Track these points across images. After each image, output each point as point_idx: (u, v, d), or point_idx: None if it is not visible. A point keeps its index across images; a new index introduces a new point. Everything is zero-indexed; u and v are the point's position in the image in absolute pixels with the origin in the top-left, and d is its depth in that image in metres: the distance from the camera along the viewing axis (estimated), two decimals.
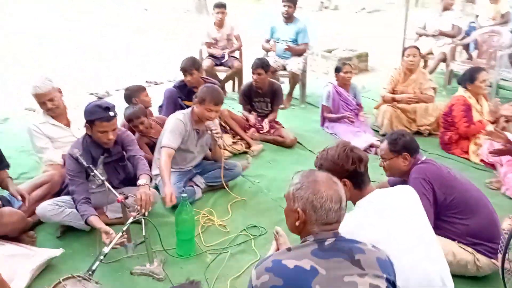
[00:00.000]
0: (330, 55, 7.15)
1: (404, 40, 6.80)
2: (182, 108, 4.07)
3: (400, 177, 2.77)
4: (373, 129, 4.80)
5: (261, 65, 4.41)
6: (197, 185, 3.53)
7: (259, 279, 1.54)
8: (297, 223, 1.66)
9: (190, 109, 3.44)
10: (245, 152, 4.30)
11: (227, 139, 4.30)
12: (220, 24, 5.83)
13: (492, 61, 5.53)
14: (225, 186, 3.45)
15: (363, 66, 7.25)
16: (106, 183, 2.71)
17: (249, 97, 4.64)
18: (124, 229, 2.51)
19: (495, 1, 6.89)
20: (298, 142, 4.57)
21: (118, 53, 8.89)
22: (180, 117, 3.34)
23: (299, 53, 5.62)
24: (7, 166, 2.90)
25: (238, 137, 4.46)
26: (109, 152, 2.98)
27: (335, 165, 2.07)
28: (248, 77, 4.81)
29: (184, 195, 2.75)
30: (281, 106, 5.47)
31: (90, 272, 2.24)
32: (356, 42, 9.51)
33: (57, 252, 2.65)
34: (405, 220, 2.01)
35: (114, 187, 3.00)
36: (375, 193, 2.09)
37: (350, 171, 2.07)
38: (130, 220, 2.53)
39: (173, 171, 3.41)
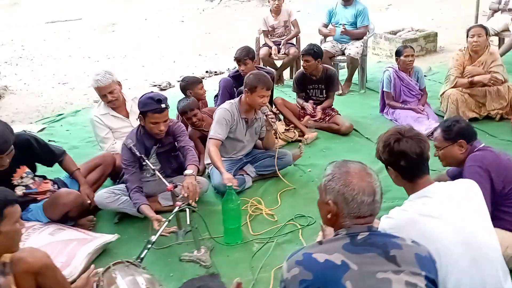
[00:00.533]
0: (394, 36, 6.78)
1: (477, 16, 6.28)
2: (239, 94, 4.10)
3: (458, 167, 2.57)
4: (438, 115, 4.50)
5: (309, 52, 4.29)
6: (247, 174, 3.54)
7: (290, 272, 1.51)
8: (329, 216, 1.60)
9: (238, 98, 3.45)
10: (299, 140, 4.23)
11: (280, 127, 4.25)
12: (277, 11, 5.75)
13: None
14: (278, 173, 3.43)
15: (431, 47, 6.81)
16: (157, 173, 2.80)
17: (302, 84, 4.55)
18: (170, 218, 2.58)
19: None
20: (355, 129, 4.42)
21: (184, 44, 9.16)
22: (227, 106, 3.36)
23: (358, 37, 5.40)
24: (60, 156, 3.08)
25: (292, 125, 4.41)
26: (161, 143, 3.07)
27: (380, 150, 1.98)
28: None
29: (230, 184, 2.77)
30: (339, 92, 5.37)
31: (139, 260, 2.34)
32: (426, 20, 9.01)
33: (113, 237, 2.81)
34: (463, 219, 1.81)
35: (167, 176, 3.12)
36: (432, 188, 1.89)
37: (390, 162, 1.95)
38: (176, 209, 2.60)
39: (223, 160, 3.45)
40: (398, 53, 4.46)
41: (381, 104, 4.72)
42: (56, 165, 3.12)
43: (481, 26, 4.33)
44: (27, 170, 2.83)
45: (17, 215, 1.79)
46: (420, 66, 4.73)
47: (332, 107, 4.59)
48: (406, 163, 1.89)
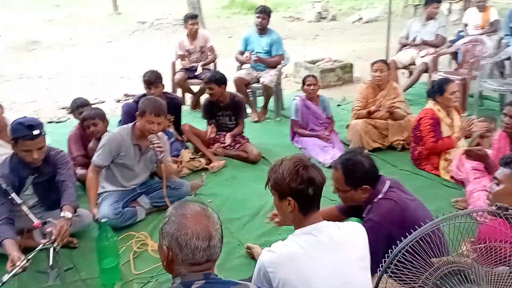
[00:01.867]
0: (313, 66, 6.93)
1: (388, 50, 6.58)
2: None
3: (356, 204, 2.39)
4: (345, 143, 4.57)
5: (211, 79, 4.23)
6: (141, 206, 3.33)
7: None
8: (165, 263, 1.45)
9: (132, 123, 3.26)
10: (206, 169, 4.09)
11: (186, 155, 4.10)
12: (193, 36, 5.67)
13: (474, 71, 5.24)
14: (168, 204, 3.24)
15: (347, 77, 7.02)
16: (24, 207, 2.53)
17: (211, 111, 4.45)
18: (29, 256, 2.30)
19: (484, 9, 6.65)
20: (263, 157, 4.35)
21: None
22: (117, 131, 3.19)
23: (273, 65, 5.43)
24: None
25: (200, 153, 4.27)
26: (39, 172, 2.79)
27: (281, 179, 1.76)
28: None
29: (104, 220, 2.55)
30: (255, 119, 5.34)
31: None
32: (348, 51, 9.36)
33: None
34: (342, 265, 1.72)
35: (48, 209, 2.89)
36: (319, 225, 1.77)
37: (296, 190, 1.75)
38: (39, 247, 2.33)
39: (114, 190, 3.26)
40: (303, 82, 4.51)
41: (291, 132, 4.72)
42: None
43: (383, 61, 4.50)
44: None
45: None
46: (330, 96, 4.83)
47: (243, 134, 4.51)
48: (313, 191, 1.74)
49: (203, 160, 4.15)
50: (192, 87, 5.73)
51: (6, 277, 2.18)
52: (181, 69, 5.67)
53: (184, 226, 1.40)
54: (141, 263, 2.79)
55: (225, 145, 4.32)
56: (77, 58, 9.80)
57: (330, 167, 4.09)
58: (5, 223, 2.56)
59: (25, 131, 2.57)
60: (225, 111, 4.41)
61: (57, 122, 5.47)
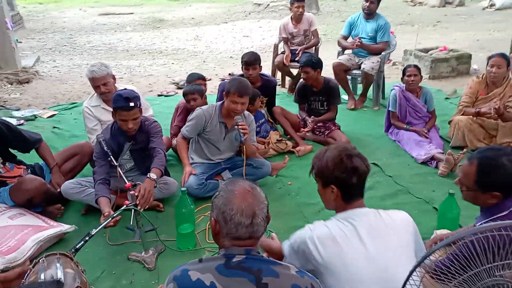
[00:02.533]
0: (424, 54, 6.47)
1: None
2: None
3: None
4: (446, 140, 4.24)
5: (307, 63, 4.18)
6: (224, 180, 3.50)
7: (167, 286, 1.47)
8: (212, 234, 1.55)
9: (221, 102, 3.41)
10: (291, 152, 4.13)
11: (274, 136, 4.18)
12: (298, 19, 5.67)
13: None
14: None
15: (463, 69, 6.43)
16: (118, 169, 2.82)
17: (303, 95, 4.44)
18: (115, 214, 2.59)
19: None
20: None
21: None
22: (205, 107, 3.37)
23: (376, 52, 5.19)
24: (35, 143, 3.18)
25: (289, 136, 4.33)
26: (135, 140, 3.08)
27: (325, 167, 1.79)
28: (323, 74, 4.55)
29: (184, 188, 2.75)
30: (351, 106, 5.22)
31: (73, 250, 2.36)
32: (471, 40, 8.54)
33: (69, 228, 2.86)
34: (380, 252, 1.69)
35: (142, 174, 3.15)
36: (358, 212, 1.78)
37: (340, 178, 1.77)
38: (123, 207, 2.61)
39: (200, 162, 3.46)
40: (403, 72, 4.25)
41: (386, 123, 4.52)
42: None
43: (502, 55, 3.99)
44: None
45: None
46: (440, 87, 4.49)
47: (334, 121, 4.44)
48: (357, 180, 1.76)
49: (290, 143, 4.19)
50: (292, 70, 5.76)
51: (94, 231, 2.48)
52: (283, 51, 5.73)
53: (231, 201, 1.47)
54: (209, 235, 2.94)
55: (308, 129, 4.29)
56: (195, 37, 10.43)
57: (423, 163, 3.86)
58: (102, 183, 2.89)
59: (122, 102, 2.84)
60: (318, 96, 4.37)
61: (166, 96, 5.93)
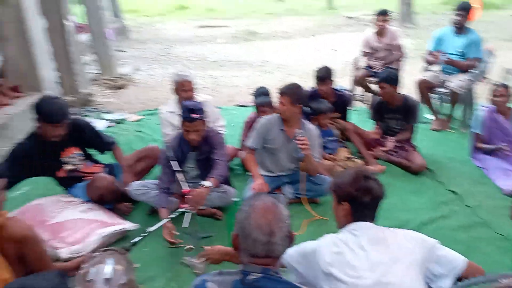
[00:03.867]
0: None
1: None
2: (305, 115, 4.03)
3: None
4: None
5: (384, 78, 3.98)
6: (284, 194, 3.47)
7: None
8: (233, 248, 1.53)
9: None
10: None
11: (342, 153, 4.05)
12: (381, 33, 5.46)
13: None
14: (302, 199, 3.30)
15: None
16: (178, 175, 2.95)
17: (379, 112, 4.24)
18: (172, 216, 2.71)
19: None
20: (428, 169, 3.96)
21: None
22: (269, 116, 3.38)
23: (465, 69, 4.80)
24: (109, 145, 3.43)
25: (360, 154, 4.17)
26: (200, 150, 3.18)
27: (341, 183, 1.87)
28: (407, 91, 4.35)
29: (238, 199, 2.77)
30: (435, 127, 4.90)
31: (131, 244, 2.49)
32: None
33: (132, 226, 3.04)
34: (382, 258, 1.69)
35: None
36: (361, 225, 1.79)
37: (352, 196, 1.81)
38: (179, 210, 2.71)
39: (262, 174, 3.46)
40: (492, 92, 3.87)
41: (472, 147, 4.14)
42: None
43: None
44: (77, 152, 3.23)
45: None
46: None
47: (411, 142, 4.18)
48: (370, 200, 1.80)
49: (359, 161, 4.02)
50: (372, 86, 5.55)
51: (150, 229, 2.61)
52: (364, 66, 5.55)
53: (250, 217, 1.46)
54: None
55: (386, 149, 4.08)
56: (283, 50, 10.55)
57: (510, 195, 3.47)
58: (164, 192, 3.04)
59: (186, 113, 2.97)
60: (394, 113, 4.15)
61: (243, 106, 6.06)
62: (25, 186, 3.64)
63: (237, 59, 9.62)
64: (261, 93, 4.32)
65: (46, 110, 2.92)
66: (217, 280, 1.46)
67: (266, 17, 16.87)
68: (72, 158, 3.20)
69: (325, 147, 4.05)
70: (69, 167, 3.19)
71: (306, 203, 3.35)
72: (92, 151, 3.42)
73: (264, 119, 3.39)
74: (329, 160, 3.95)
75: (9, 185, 2.75)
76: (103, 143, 3.38)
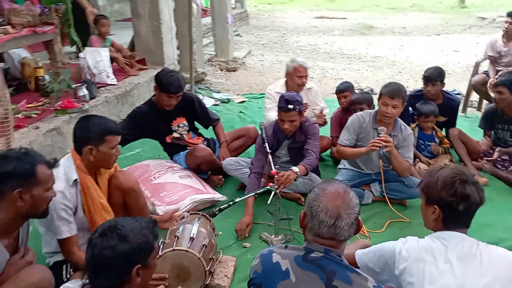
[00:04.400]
0: None
1: None
2: (410, 116, 3.92)
3: None
4: None
5: (504, 82, 3.65)
6: (371, 191, 3.44)
7: (255, 260, 1.65)
8: (300, 226, 1.63)
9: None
10: None
11: (442, 159, 3.86)
12: (509, 37, 5.00)
13: None
14: (386, 199, 3.24)
15: None
16: (269, 157, 3.09)
17: (490, 121, 3.93)
18: (258, 191, 2.91)
19: None
20: None
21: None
22: (360, 113, 3.35)
23: None
24: (214, 121, 3.71)
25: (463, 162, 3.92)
26: (294, 139, 3.29)
27: (433, 185, 1.75)
28: None
29: None
30: None
31: (218, 209, 2.72)
32: None
33: (221, 197, 3.30)
34: (469, 280, 1.60)
35: None
36: (454, 234, 1.70)
37: (445, 201, 1.70)
38: (264, 188, 2.88)
39: (350, 169, 3.48)
40: None
41: None
42: None
43: None
44: (185, 122, 3.57)
45: (115, 143, 2.38)
46: None
47: None
48: (464, 208, 1.68)
49: None
50: (492, 93, 5.12)
51: (237, 199, 2.81)
52: (485, 71, 5.15)
53: (319, 199, 1.54)
54: None
55: (492, 159, 3.78)
56: (399, 46, 10.13)
57: None
58: (256, 176, 3.17)
59: (283, 103, 3.08)
60: (508, 124, 3.81)
61: None
62: (137, 149, 4.14)
63: (348, 53, 9.50)
64: (344, 89, 4.18)
65: (165, 81, 3.30)
66: (282, 252, 1.57)
67: (388, 12, 16.24)
68: (180, 127, 3.56)
69: (424, 151, 3.90)
70: (176, 135, 3.55)
71: (389, 202, 3.26)
72: (197, 125, 3.74)
73: (356, 116, 3.35)
74: (428, 164, 3.79)
75: (124, 142, 3.22)
76: (208, 118, 3.69)
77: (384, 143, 3.04)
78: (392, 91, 3.10)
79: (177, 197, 3.15)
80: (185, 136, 3.60)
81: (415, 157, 3.76)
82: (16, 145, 2.09)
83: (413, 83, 6.87)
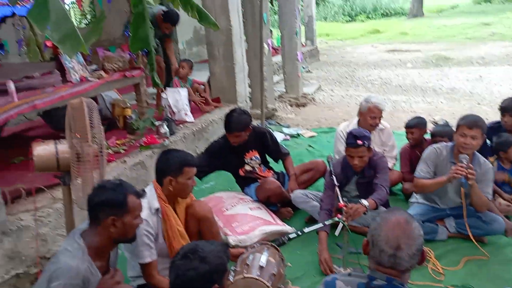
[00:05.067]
0: None
1: None
2: (488, 149, 3.78)
3: None
4: None
5: None
6: (445, 226, 3.32)
7: (319, 287, 1.72)
8: (363, 253, 1.68)
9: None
10: None
11: None
12: None
13: None
14: (469, 232, 3.10)
15: None
16: (337, 189, 3.14)
17: None
18: (326, 222, 2.97)
19: None
20: None
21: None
22: (437, 145, 3.28)
23: None
24: (284, 155, 3.85)
25: None
26: (363, 174, 3.30)
27: None
28: None
29: None
30: None
31: (287, 238, 2.80)
32: None
33: (290, 230, 3.37)
34: None
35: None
36: None
37: None
38: (331, 219, 2.92)
39: (424, 203, 3.41)
40: None
41: None
42: None
43: None
44: (257, 155, 3.76)
45: (191, 174, 2.59)
46: None
47: None
48: None
49: None
50: None
51: (306, 229, 2.88)
52: None
53: (381, 228, 1.58)
54: (416, 275, 2.88)
55: None
56: (477, 77, 9.73)
57: None
58: (327, 213, 3.18)
59: (351, 139, 3.13)
60: None
61: None
62: (211, 182, 4.39)
63: (422, 85, 9.29)
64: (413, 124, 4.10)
65: (225, 121, 3.58)
66: (346, 280, 1.63)
67: (465, 42, 15.67)
68: (253, 160, 3.75)
69: (504, 187, 3.70)
70: (248, 167, 3.75)
71: (471, 236, 3.12)
72: (268, 159, 3.91)
73: (433, 148, 3.27)
74: (508, 201, 3.59)
75: (202, 174, 3.57)
76: (279, 152, 3.86)
77: (466, 172, 2.91)
78: (471, 121, 3.02)
79: (248, 228, 3.29)
80: (256, 169, 3.77)
81: (495, 192, 3.58)
82: (107, 177, 2.36)
83: (493, 115, 6.54)
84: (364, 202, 3.01)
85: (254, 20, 6.30)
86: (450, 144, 3.28)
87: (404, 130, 4.71)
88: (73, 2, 10.56)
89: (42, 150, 2.27)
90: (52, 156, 2.26)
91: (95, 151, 2.26)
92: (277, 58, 9.53)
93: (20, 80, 3.69)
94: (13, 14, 4.51)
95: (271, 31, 9.55)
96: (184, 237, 2.61)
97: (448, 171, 3.14)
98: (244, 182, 3.80)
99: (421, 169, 3.27)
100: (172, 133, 4.43)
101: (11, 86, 3.28)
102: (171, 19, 5.05)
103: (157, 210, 2.56)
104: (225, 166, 3.81)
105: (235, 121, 3.56)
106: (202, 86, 5.68)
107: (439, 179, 3.14)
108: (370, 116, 3.80)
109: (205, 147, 3.90)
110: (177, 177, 2.56)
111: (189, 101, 5.18)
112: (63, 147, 2.29)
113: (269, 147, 3.81)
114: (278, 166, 4.01)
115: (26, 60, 6.39)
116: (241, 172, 3.76)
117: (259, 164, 3.80)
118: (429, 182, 3.19)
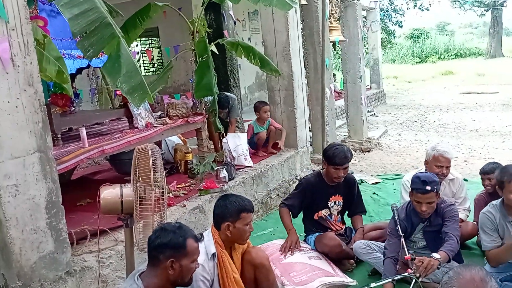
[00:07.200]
0: None
1: None
2: None
3: None
4: None
5: None
6: None
7: None
8: None
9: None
10: None
11: None
12: None
13: None
14: None
15: None
16: (402, 240, 2.93)
17: None
18: (396, 277, 2.76)
19: None
20: None
21: None
22: (485, 210, 3.02)
23: None
24: (362, 212, 3.77)
25: None
26: (429, 222, 3.09)
27: None
28: None
29: None
30: None
31: None
32: None
33: (351, 282, 3.17)
34: None
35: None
36: None
37: None
38: (404, 274, 2.71)
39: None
40: None
41: None
42: None
43: None
44: (341, 201, 3.66)
45: (248, 220, 2.55)
46: None
47: None
48: None
49: None
50: None
51: (372, 284, 2.69)
52: None
53: (451, 284, 1.43)
54: None
55: None
56: None
57: None
58: (392, 262, 3.01)
59: (419, 185, 2.94)
60: None
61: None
62: (269, 228, 4.31)
63: (502, 129, 8.66)
64: (487, 171, 3.77)
65: (331, 154, 3.46)
66: None
67: None
68: (335, 204, 3.67)
69: None
70: (325, 212, 3.64)
71: None
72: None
73: (483, 215, 3.01)
74: None
75: (296, 210, 3.63)
76: (359, 206, 3.77)
77: None
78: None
79: (306, 278, 3.13)
80: (333, 216, 3.68)
81: None
82: (167, 221, 2.40)
83: None
84: (436, 255, 2.79)
85: (316, 65, 6.32)
86: (495, 203, 3.01)
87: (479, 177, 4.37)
88: (142, 52, 11.35)
89: (109, 193, 2.36)
90: (117, 199, 2.34)
91: (157, 195, 2.30)
92: (340, 102, 9.43)
93: (91, 126, 3.95)
94: (88, 66, 4.88)
95: (334, 74, 9.55)
96: (239, 285, 2.56)
97: (508, 230, 2.93)
98: (311, 227, 3.68)
99: (485, 241, 3.01)
100: (231, 177, 4.45)
101: (83, 132, 3.51)
102: (219, 104, 5.00)
103: (213, 255, 2.55)
104: (309, 204, 3.67)
105: (342, 153, 3.43)
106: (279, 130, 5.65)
107: (509, 244, 2.86)
108: (435, 165, 3.54)
109: (297, 184, 3.81)
110: (235, 222, 2.56)
111: (253, 144, 5.21)
112: (127, 190, 2.37)
113: (354, 197, 3.73)
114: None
115: (98, 108, 6.89)
116: (315, 217, 3.67)
117: (338, 212, 3.70)
118: (502, 251, 2.91)
